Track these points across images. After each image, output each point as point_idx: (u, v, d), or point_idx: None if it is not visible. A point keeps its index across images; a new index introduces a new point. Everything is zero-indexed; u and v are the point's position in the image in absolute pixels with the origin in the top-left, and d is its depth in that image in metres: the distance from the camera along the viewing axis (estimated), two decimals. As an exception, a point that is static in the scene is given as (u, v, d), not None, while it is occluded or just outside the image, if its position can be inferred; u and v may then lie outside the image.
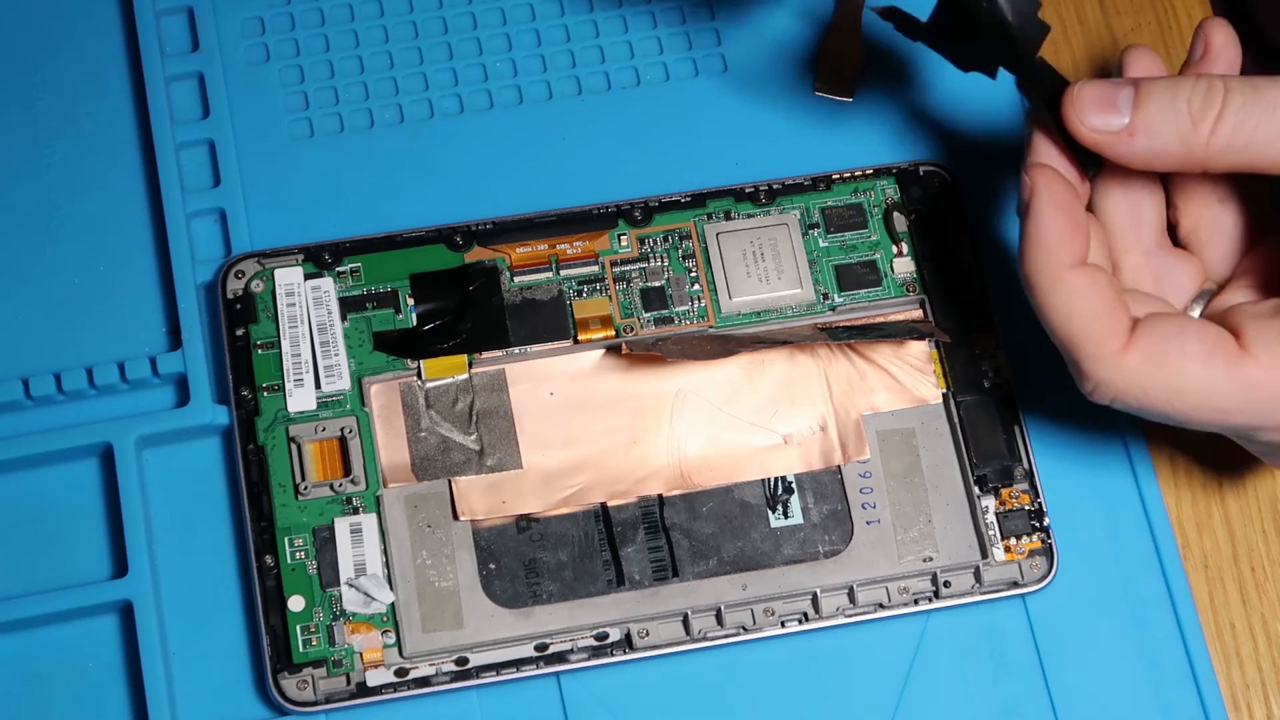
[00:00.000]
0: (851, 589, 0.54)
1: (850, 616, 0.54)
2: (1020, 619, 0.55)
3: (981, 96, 0.60)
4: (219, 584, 0.54)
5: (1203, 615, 0.55)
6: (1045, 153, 0.49)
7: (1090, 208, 0.51)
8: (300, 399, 0.55)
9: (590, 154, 0.59)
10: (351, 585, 0.53)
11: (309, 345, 0.55)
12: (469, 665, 0.53)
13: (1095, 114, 0.47)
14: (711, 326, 0.56)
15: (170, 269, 0.57)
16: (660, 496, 0.55)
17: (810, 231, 0.57)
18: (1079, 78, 0.61)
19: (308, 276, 0.56)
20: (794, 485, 0.55)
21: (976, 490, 0.55)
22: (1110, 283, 0.47)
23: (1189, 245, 0.51)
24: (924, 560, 0.54)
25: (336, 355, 0.55)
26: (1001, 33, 0.49)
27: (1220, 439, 0.50)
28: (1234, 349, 0.46)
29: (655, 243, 0.57)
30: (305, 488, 0.54)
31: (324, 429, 0.54)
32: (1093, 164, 0.49)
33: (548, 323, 0.56)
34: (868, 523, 0.55)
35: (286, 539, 0.53)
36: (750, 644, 0.54)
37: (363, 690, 0.52)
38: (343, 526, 0.54)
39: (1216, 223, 0.51)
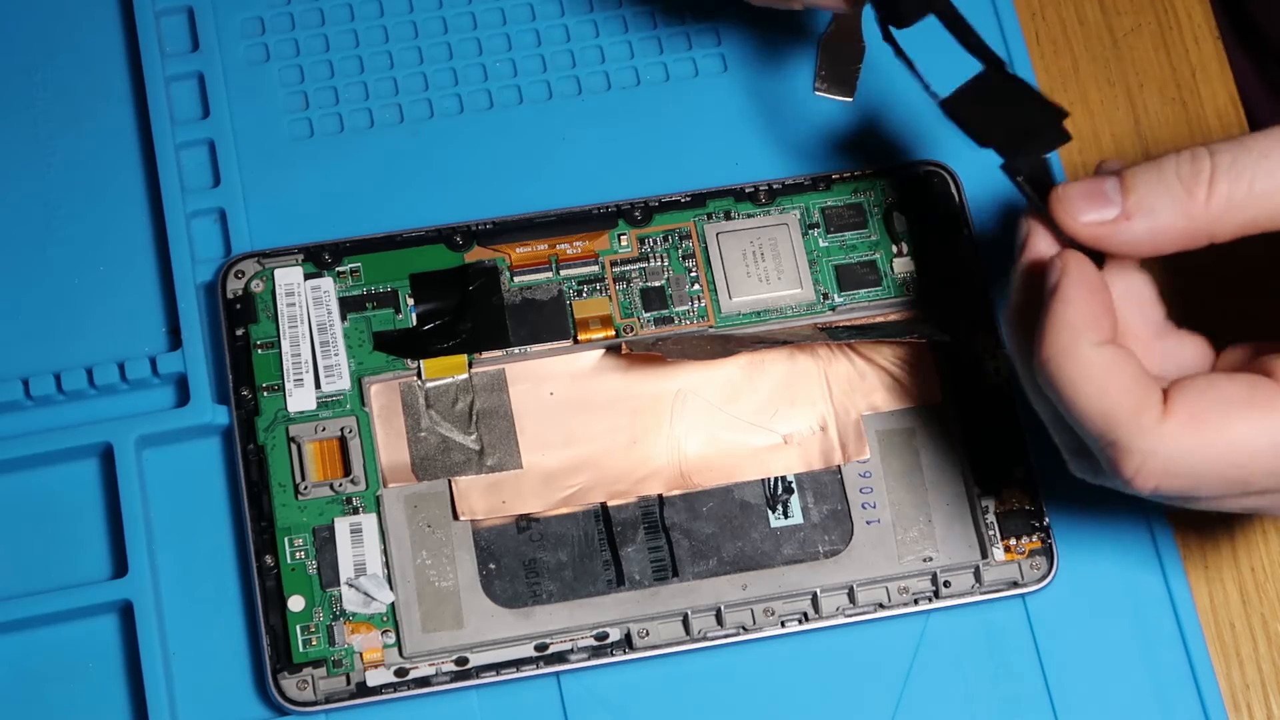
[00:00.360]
0: (851, 589, 0.54)
1: (850, 616, 0.54)
2: (1020, 619, 0.55)
3: (981, 96, 0.60)
4: (219, 584, 0.54)
5: (1203, 615, 0.55)
6: (1043, 244, 0.47)
7: None
8: (300, 399, 0.55)
9: (590, 154, 0.59)
10: (351, 585, 0.53)
11: (309, 345, 0.55)
12: (469, 665, 0.53)
13: (1087, 208, 0.45)
14: (711, 326, 0.56)
15: (170, 269, 0.57)
16: (660, 496, 0.55)
17: (810, 231, 0.57)
18: (1079, 76, 0.62)
19: (308, 276, 0.56)
20: (794, 485, 0.55)
21: (976, 490, 0.55)
22: (1136, 358, 0.45)
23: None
24: (924, 560, 0.54)
25: (336, 355, 0.55)
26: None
27: None
28: (1272, 386, 0.44)
29: (655, 243, 0.57)
30: (305, 488, 0.54)
31: (324, 429, 0.54)
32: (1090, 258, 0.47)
33: (548, 323, 0.56)
34: (868, 523, 0.55)
35: (286, 539, 0.53)
36: (750, 644, 0.54)
37: (363, 690, 0.52)
38: (343, 526, 0.54)
39: (1167, 358, 0.48)
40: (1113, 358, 0.44)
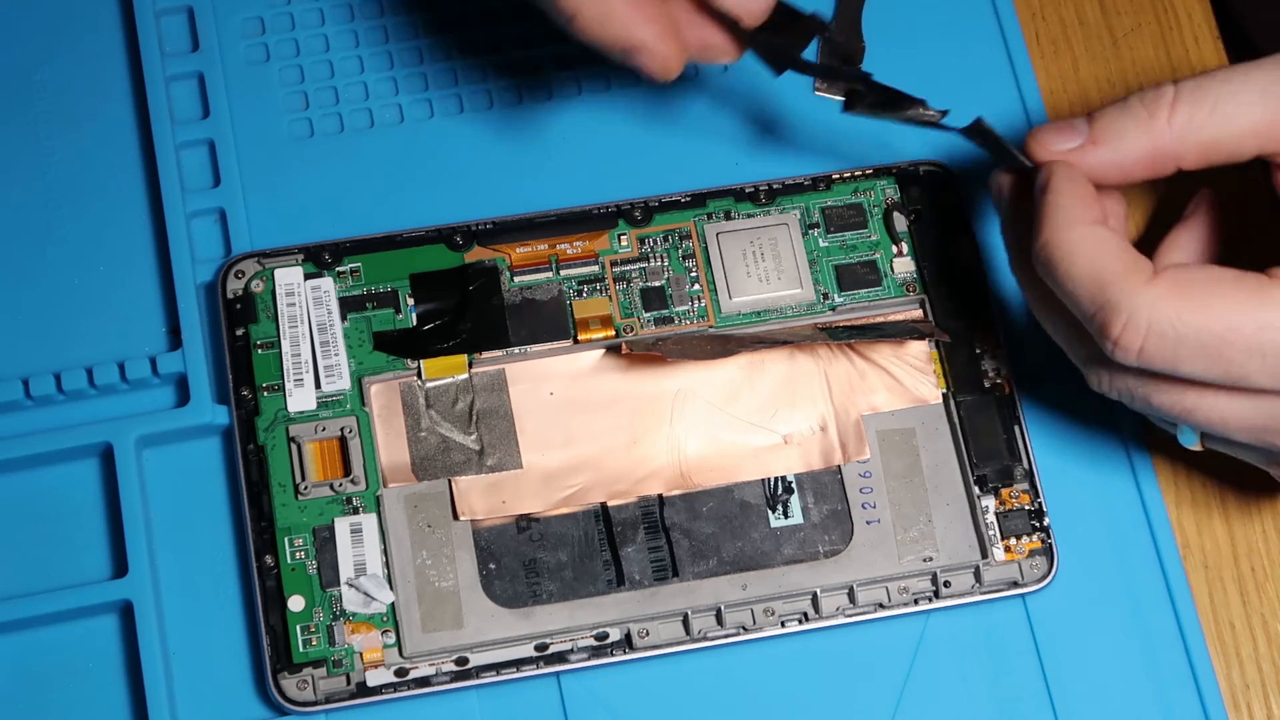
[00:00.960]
0: (851, 589, 0.54)
1: (850, 616, 0.54)
2: (1020, 619, 0.55)
3: (982, 96, 0.60)
4: (219, 584, 0.54)
5: (1203, 615, 0.55)
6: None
7: None
8: (300, 399, 0.55)
9: (590, 154, 0.59)
10: (351, 585, 0.53)
11: (309, 345, 0.55)
12: (469, 665, 0.53)
13: (1056, 138, 0.49)
14: (711, 326, 0.56)
15: (170, 269, 0.57)
16: (660, 496, 0.55)
17: (810, 231, 0.57)
18: (1079, 76, 0.62)
19: (308, 276, 0.56)
20: (794, 485, 0.55)
21: (976, 490, 0.55)
22: (1125, 240, 0.48)
23: None
24: (924, 560, 0.54)
25: (336, 355, 0.55)
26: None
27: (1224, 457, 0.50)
28: (1262, 277, 0.46)
29: (655, 243, 0.57)
30: (305, 488, 0.54)
31: (324, 429, 0.54)
32: None
33: (548, 323, 0.56)
34: (868, 523, 0.55)
35: (286, 539, 0.53)
36: (750, 644, 0.54)
37: (363, 690, 0.52)
38: (343, 526, 0.54)
39: None
40: (1105, 233, 0.47)
